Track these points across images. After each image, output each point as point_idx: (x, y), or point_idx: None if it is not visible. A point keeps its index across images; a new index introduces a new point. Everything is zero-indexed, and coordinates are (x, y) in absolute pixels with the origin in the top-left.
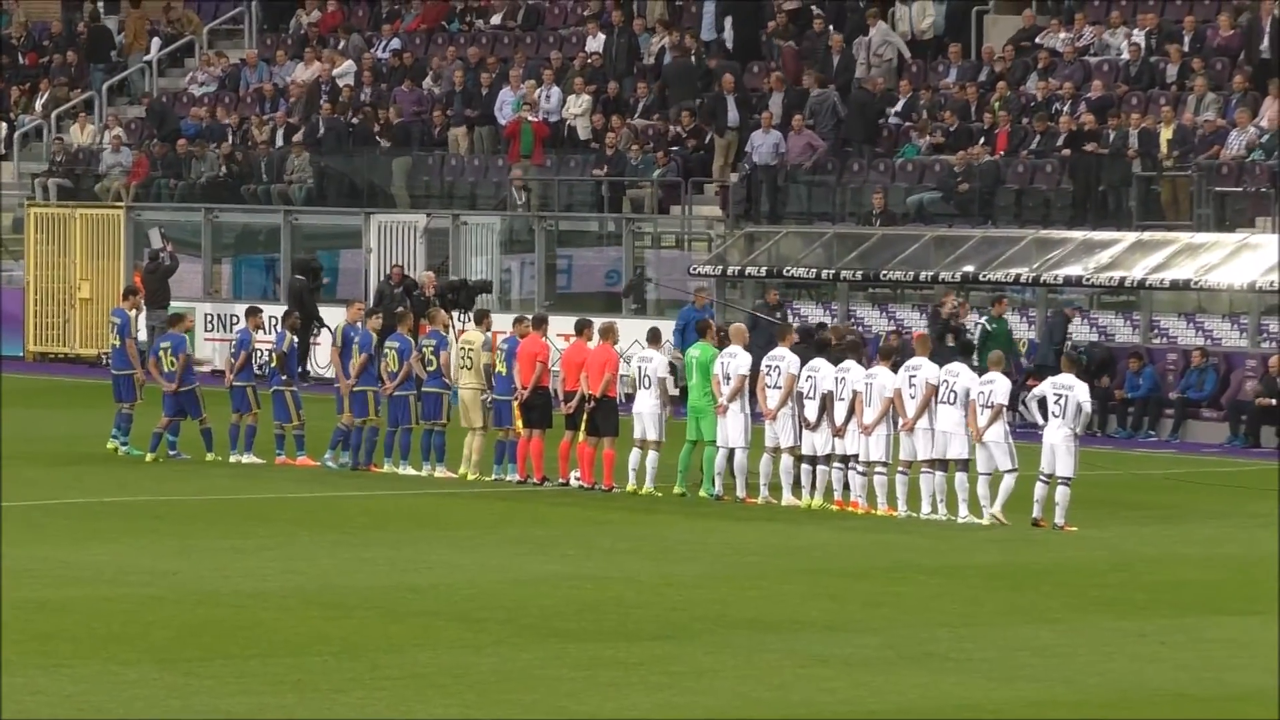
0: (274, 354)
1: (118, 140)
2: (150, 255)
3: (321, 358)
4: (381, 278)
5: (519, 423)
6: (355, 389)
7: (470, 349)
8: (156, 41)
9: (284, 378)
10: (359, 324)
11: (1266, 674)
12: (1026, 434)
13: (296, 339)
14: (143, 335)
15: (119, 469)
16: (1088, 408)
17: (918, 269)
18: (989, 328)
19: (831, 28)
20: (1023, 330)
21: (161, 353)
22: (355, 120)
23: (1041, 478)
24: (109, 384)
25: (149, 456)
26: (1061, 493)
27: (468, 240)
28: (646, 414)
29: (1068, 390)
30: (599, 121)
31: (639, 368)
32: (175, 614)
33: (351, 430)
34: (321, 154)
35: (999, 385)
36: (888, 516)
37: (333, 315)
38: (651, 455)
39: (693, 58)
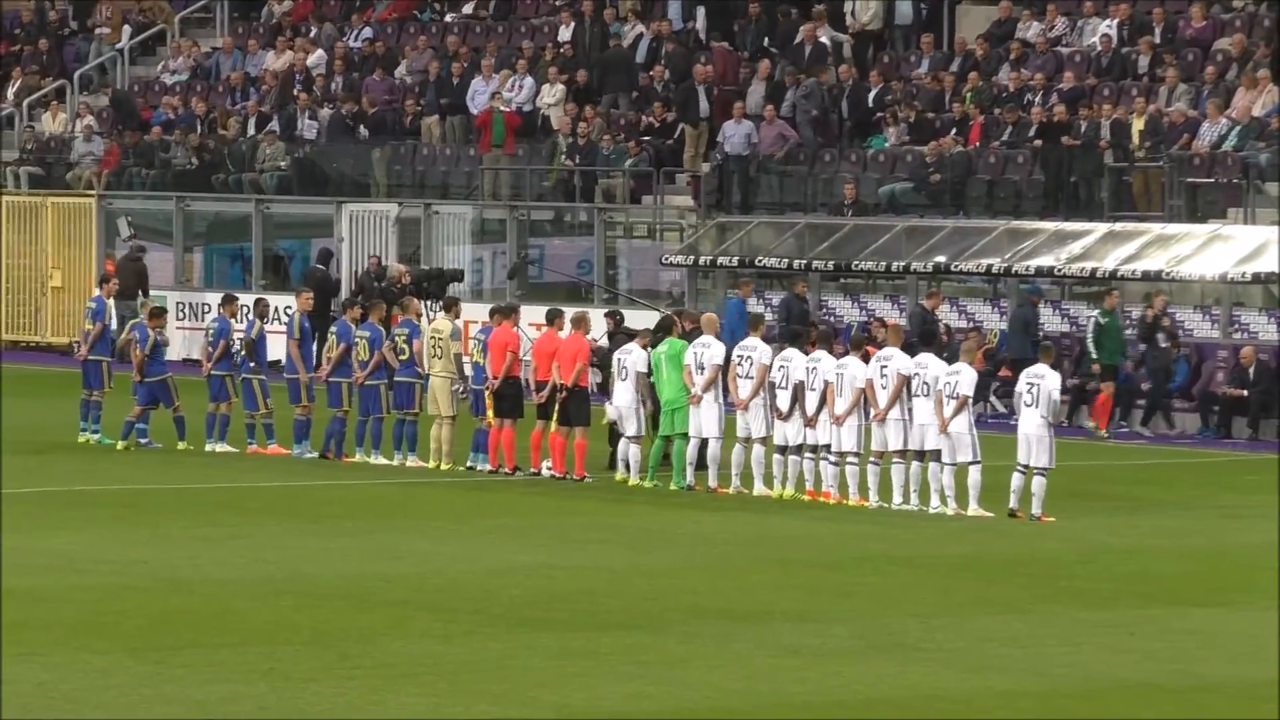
0: (243, 342)
1: (89, 129)
2: (136, 249)
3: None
4: (361, 269)
5: (490, 412)
6: (331, 380)
7: (440, 338)
8: (128, 29)
9: (253, 365)
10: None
11: (1233, 665)
12: (997, 424)
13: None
14: (114, 324)
15: (89, 457)
16: (1057, 396)
17: (889, 259)
18: (1101, 321)
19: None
20: (994, 321)
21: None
22: (329, 109)
23: (1018, 468)
24: (79, 372)
25: (120, 445)
26: (1038, 483)
27: (439, 230)
28: (624, 408)
29: (1039, 380)
30: (571, 111)
31: (618, 359)
32: (146, 603)
33: (307, 420)
34: (294, 143)
35: (965, 376)
36: (859, 507)
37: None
38: (632, 449)
39: (630, 48)
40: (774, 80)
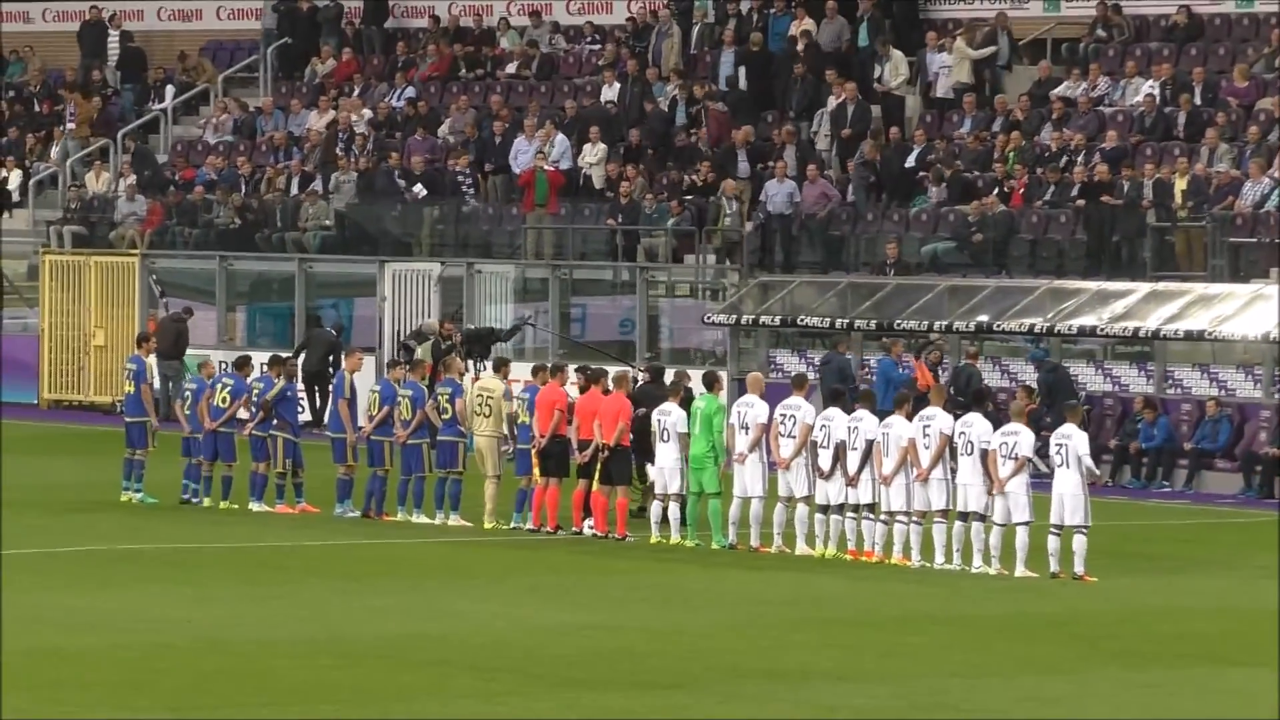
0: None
1: (132, 188)
2: (184, 309)
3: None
4: (406, 329)
5: (536, 471)
6: (373, 438)
7: (490, 396)
8: (171, 89)
9: (275, 422)
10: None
11: None
12: (1038, 484)
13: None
14: (157, 383)
15: (132, 516)
16: (1089, 460)
17: (931, 319)
18: None
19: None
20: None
21: (188, 395)
22: (372, 168)
23: (1053, 530)
24: (123, 431)
25: (222, 505)
26: (1079, 542)
27: (482, 289)
28: (668, 468)
29: (1067, 440)
30: (613, 170)
31: (658, 420)
32: (187, 662)
33: (352, 479)
34: (337, 202)
35: (1023, 437)
36: (901, 566)
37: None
38: (673, 508)
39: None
40: (807, 140)
